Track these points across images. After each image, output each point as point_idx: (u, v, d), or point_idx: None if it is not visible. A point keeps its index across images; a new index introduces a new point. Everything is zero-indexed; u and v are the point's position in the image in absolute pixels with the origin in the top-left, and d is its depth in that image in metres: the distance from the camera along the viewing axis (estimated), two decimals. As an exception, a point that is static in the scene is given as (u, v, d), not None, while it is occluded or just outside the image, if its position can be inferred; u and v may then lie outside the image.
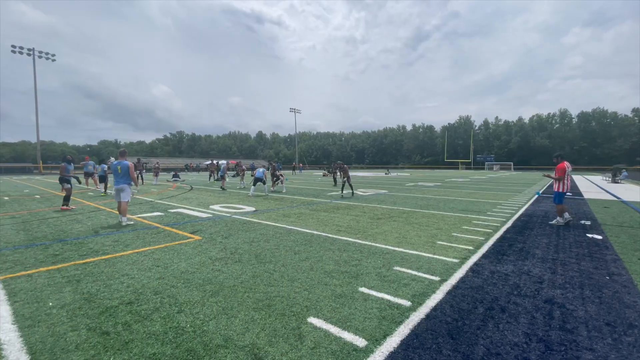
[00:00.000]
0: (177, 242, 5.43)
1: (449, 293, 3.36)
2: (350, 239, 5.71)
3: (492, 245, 5.39)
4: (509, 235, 6.18)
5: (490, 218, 8.00)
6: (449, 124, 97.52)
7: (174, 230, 6.44)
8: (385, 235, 6.07)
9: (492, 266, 4.27)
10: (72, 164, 9.78)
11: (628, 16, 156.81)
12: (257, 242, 5.44)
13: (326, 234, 6.10)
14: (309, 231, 6.37)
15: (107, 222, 7.26)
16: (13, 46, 46.16)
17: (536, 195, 13.77)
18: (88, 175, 16.39)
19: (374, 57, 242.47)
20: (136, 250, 4.93)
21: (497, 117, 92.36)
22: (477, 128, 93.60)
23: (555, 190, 7.80)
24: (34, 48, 48.16)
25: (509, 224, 7.33)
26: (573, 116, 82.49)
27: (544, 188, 17.95)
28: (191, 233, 6.15)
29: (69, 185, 9.27)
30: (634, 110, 75.14)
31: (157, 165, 20.98)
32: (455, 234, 6.16)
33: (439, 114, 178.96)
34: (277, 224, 7.06)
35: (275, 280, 3.68)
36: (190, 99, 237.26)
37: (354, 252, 4.85)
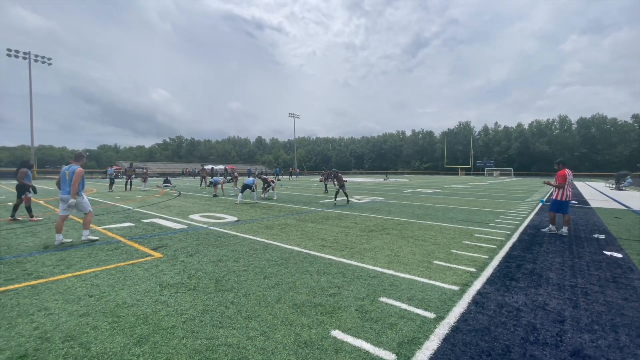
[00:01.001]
0: (131, 262, 4.68)
1: (446, 340, 2.61)
2: (334, 258, 4.95)
3: (498, 265, 4.64)
4: (516, 252, 5.43)
5: (493, 230, 7.25)
6: (448, 129, 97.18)
7: (136, 245, 5.68)
8: (375, 252, 5.32)
9: (499, 296, 3.51)
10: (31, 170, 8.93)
11: (625, 23, 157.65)
12: (225, 262, 4.68)
13: (307, 251, 5.34)
14: (289, 247, 5.61)
15: (65, 236, 6.50)
16: (9, 49, 45.68)
17: (540, 204, 13.03)
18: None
19: (373, 63, 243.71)
20: (77, 273, 4.16)
21: (496, 123, 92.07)
22: (476, 134, 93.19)
23: (554, 198, 7.18)
24: (29, 52, 47.69)
25: (515, 237, 6.58)
26: (572, 122, 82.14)
27: (547, 195, 17.22)
28: (153, 249, 5.39)
29: (30, 194, 8.46)
30: (634, 117, 74.76)
31: (144, 170, 20.22)
32: (454, 251, 5.41)
33: (438, 120, 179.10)
34: (255, 238, 6.31)
35: (228, 319, 2.92)
36: (190, 104, 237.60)
37: (335, 276, 4.10)
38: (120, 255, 5.03)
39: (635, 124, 73.95)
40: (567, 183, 7.10)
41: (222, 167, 67.87)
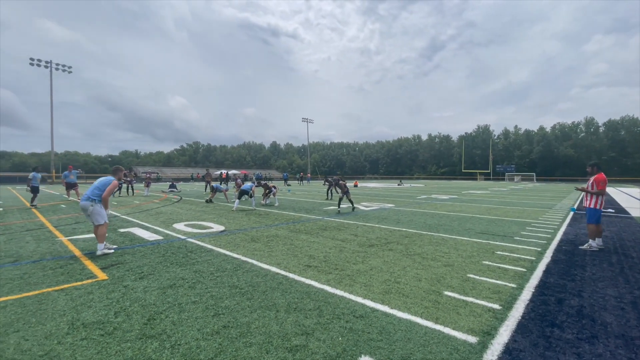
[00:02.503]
0: (64, 286, 3.80)
1: None
2: (315, 284, 3.92)
3: (531, 300, 3.48)
4: (553, 278, 4.23)
5: (520, 247, 6.03)
6: (466, 133, 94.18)
7: (87, 262, 4.83)
8: (370, 276, 4.25)
9: (538, 358, 2.39)
10: None
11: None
12: (177, 289, 3.74)
13: (286, 273, 4.34)
14: (266, 267, 4.62)
15: (31, 248, 5.75)
16: (31, 59, 47.32)
17: (572, 213, 11.53)
18: (70, 186, 15.24)
19: (388, 68, 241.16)
20: (-15, 302, 3.32)
21: (516, 126, 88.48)
22: (496, 137, 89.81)
23: (589, 206, 5.97)
24: (51, 60, 49.20)
25: (548, 256, 5.35)
26: (600, 124, 77.80)
27: (578, 203, 15.55)
28: (104, 268, 4.52)
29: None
30: (668, 118, 70.03)
31: (147, 175, 19.80)
32: (472, 276, 4.27)
33: (455, 124, 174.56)
34: (231, 253, 5.35)
35: (123, 394, 1.95)
36: (206, 110, 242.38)
37: (309, 314, 3.07)
38: (58, 276, 4.17)
39: (670, 126, 69.23)
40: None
41: (235, 172, 67.98)
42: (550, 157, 75.65)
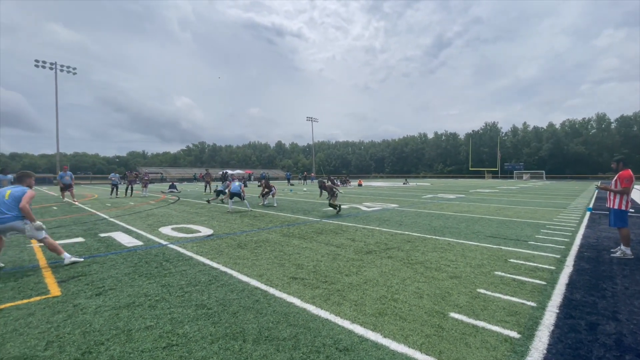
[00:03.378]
0: (4, 305, 3.29)
1: None
2: (297, 302, 3.34)
3: (556, 326, 2.86)
4: (579, 294, 3.59)
5: (535, 253, 5.37)
6: (473, 131, 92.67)
7: (47, 274, 4.32)
8: (364, 291, 3.66)
9: (576, 418, 1.78)
10: None
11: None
12: (134, 308, 3.19)
13: (267, 287, 3.77)
14: (245, 279, 4.06)
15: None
16: (36, 60, 47.57)
17: (588, 213, 10.77)
18: (66, 187, 14.90)
19: (394, 66, 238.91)
20: None
21: (525, 123, 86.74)
22: (504, 135, 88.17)
23: (614, 207, 5.28)
24: (56, 62, 49.39)
25: (569, 265, 4.69)
26: (611, 120, 75.73)
27: (593, 201, 14.72)
28: (62, 282, 4.00)
29: None
30: (683, 113, 67.86)
31: (145, 176, 19.44)
32: (482, 291, 3.65)
33: (462, 122, 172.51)
34: (211, 262, 4.80)
35: None
36: (212, 111, 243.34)
37: (282, 346, 2.50)
38: (6, 292, 3.66)
39: (686, 121, 67.07)
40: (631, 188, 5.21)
41: (239, 171, 67.74)
42: (560, 154, 73.93)
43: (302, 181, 42.75)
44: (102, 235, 6.96)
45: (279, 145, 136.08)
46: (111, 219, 9.31)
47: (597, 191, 22.56)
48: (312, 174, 51.38)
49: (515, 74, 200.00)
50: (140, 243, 6.16)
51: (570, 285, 3.86)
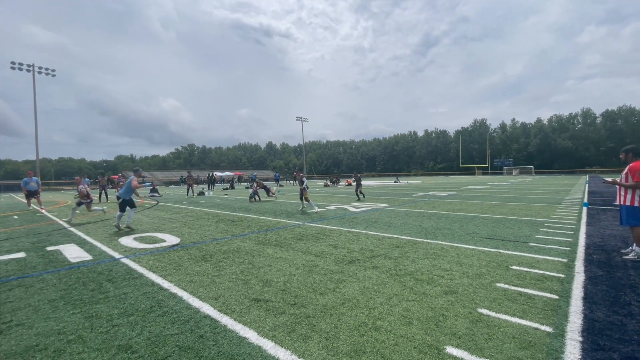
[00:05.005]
0: None
1: None
2: (253, 337, 2.61)
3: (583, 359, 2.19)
4: (602, 312, 2.94)
5: (539, 257, 4.74)
6: (462, 128, 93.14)
7: (-50, 304, 3.49)
8: (340, 316, 2.95)
9: None
10: None
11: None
12: (34, 355, 2.41)
13: (220, 315, 3.02)
14: (197, 304, 3.30)
15: None
16: (13, 62, 45.53)
17: (585, 208, 10.29)
18: (31, 194, 13.82)
19: (383, 65, 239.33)
20: None
21: (513, 119, 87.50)
22: (493, 131, 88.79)
23: (626, 203, 4.68)
24: (33, 64, 47.38)
25: (580, 271, 4.07)
26: (597, 115, 76.86)
27: (587, 196, 14.33)
28: (-39, 315, 3.19)
29: None
30: (666, 107, 69.21)
31: (121, 180, 18.41)
32: (484, 311, 2.98)
33: (452, 119, 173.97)
34: (163, 282, 4.03)
35: None
36: (201, 112, 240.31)
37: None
38: None
39: (668, 115, 68.42)
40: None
41: (228, 173, 66.48)
42: (547, 149, 74.71)
43: (292, 182, 41.90)
44: (50, 248, 6.10)
45: (270, 146, 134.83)
46: (71, 229, 8.40)
47: (587, 185, 22.36)
48: (302, 174, 50.46)
49: (503, 71, 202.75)
50: (89, 257, 5.34)
51: (588, 300, 3.21)
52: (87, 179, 16.89)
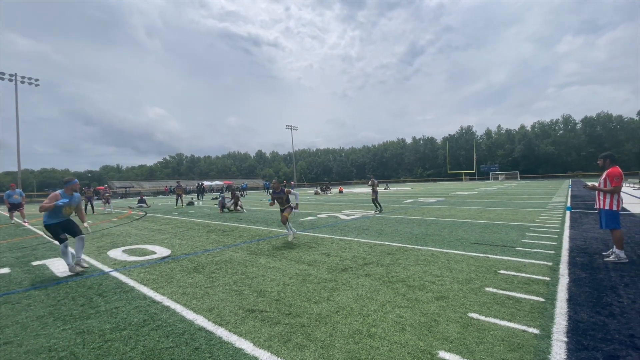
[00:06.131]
0: None
1: None
2: (249, 347, 2.63)
3: (569, 359, 2.29)
4: (585, 314, 3.06)
5: (526, 261, 4.89)
6: (449, 135, 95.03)
7: None
8: (335, 324, 2.99)
9: None
10: None
11: (620, 22, 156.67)
12: (23, 374, 2.37)
13: (215, 326, 3.02)
14: (191, 316, 3.29)
15: None
16: (-6, 72, 44.61)
17: (568, 212, 10.62)
18: (14, 207, 13.42)
19: (370, 74, 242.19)
20: None
21: (499, 126, 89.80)
22: (479, 138, 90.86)
23: (605, 207, 4.91)
24: (16, 73, 46.50)
25: (564, 274, 4.22)
26: (577, 122, 79.67)
27: (569, 200, 14.78)
28: (-55, 334, 3.09)
29: None
30: (640, 113, 72.33)
31: (107, 192, 18.06)
32: (474, 316, 3.07)
33: (439, 126, 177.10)
34: (155, 295, 3.99)
35: None
36: (189, 121, 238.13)
37: None
38: None
39: (643, 121, 71.43)
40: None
41: (219, 183, 65.88)
42: (531, 155, 76.78)
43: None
44: (36, 263, 5.95)
45: (260, 154, 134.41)
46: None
47: (570, 189, 23.05)
48: (292, 182, 50.47)
49: (487, 78, 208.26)
50: (71, 273, 5.22)
51: (572, 302, 3.34)
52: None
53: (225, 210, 15.08)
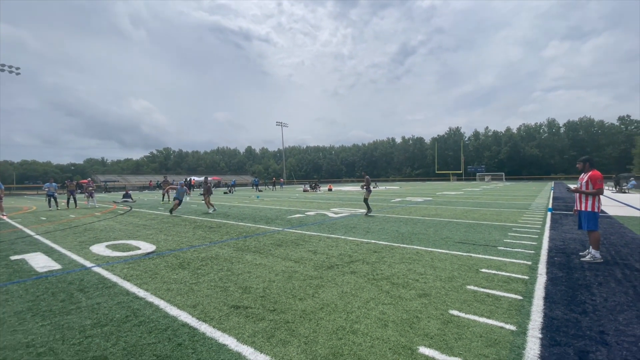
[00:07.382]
0: None
1: None
2: (233, 343, 2.63)
3: (542, 349, 2.39)
4: (560, 311, 3.19)
5: (506, 260, 5.03)
6: (438, 135, 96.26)
7: None
8: (319, 321, 3.02)
9: None
10: None
11: (604, 29, 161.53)
12: (-1, 370, 2.33)
13: (198, 322, 3.01)
14: (175, 312, 3.27)
15: None
16: (-29, 59, 42.85)
17: (549, 213, 10.95)
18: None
19: (362, 72, 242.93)
20: None
21: (487, 128, 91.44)
22: (467, 139, 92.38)
23: (586, 209, 5.09)
24: (-4, 61, 44.72)
25: (542, 273, 4.37)
26: (560, 125, 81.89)
27: (551, 201, 15.22)
28: None
29: None
30: (620, 119, 74.93)
31: (90, 186, 17.64)
32: (455, 313, 3.15)
33: (428, 126, 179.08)
34: (138, 290, 3.94)
35: None
36: (177, 115, 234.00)
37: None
38: None
39: (622, 126, 73.97)
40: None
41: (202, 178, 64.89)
42: (517, 157, 78.53)
43: (272, 187, 41.67)
44: (15, 257, 5.79)
45: (249, 150, 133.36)
46: (37, 236, 7.99)
47: (552, 191, 23.73)
48: (281, 180, 50.32)
49: (476, 80, 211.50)
50: (58, 267, 5.12)
51: (548, 300, 3.46)
52: (54, 184, 16.11)
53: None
